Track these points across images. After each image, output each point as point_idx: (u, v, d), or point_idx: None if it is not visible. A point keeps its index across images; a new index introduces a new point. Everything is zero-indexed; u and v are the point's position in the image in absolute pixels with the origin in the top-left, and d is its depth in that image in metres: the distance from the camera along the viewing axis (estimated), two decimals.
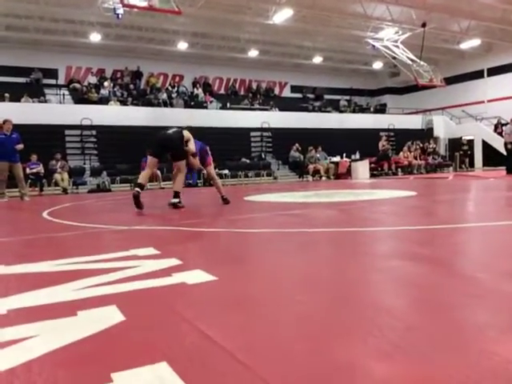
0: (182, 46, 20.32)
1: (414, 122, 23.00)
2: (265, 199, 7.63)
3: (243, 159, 17.41)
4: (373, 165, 17.31)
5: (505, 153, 13.80)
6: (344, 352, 1.24)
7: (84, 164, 15.44)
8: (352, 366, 1.16)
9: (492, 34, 20.03)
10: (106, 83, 19.15)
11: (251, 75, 24.02)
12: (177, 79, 22.19)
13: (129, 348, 1.33)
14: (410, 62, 18.96)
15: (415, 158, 18.81)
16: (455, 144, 22.38)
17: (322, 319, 1.53)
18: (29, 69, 18.78)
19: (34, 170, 12.68)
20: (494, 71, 22.58)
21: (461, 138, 22.55)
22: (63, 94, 17.82)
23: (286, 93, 25.29)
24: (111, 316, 1.59)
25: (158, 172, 13.33)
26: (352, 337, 1.37)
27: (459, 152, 21.14)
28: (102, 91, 18.50)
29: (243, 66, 23.30)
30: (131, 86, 20.09)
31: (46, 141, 14.11)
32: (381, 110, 25.45)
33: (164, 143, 6.01)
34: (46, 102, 17.27)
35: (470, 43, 20.88)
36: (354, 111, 23.91)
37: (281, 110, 20.93)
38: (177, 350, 1.29)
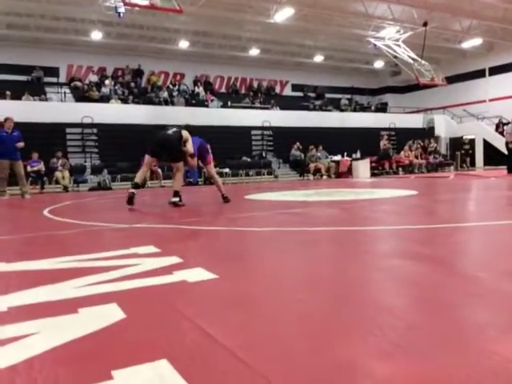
0: (183, 44, 20.31)
1: (415, 121, 22.97)
2: (265, 198, 7.63)
3: (244, 158, 17.40)
4: (374, 164, 17.30)
5: (506, 152, 13.78)
6: (345, 351, 1.24)
7: (85, 162, 15.45)
8: (353, 364, 1.16)
9: (493, 33, 19.99)
10: (107, 81, 19.14)
11: (252, 74, 24.00)
12: (178, 78, 22.18)
13: (129, 345, 1.33)
14: (412, 61, 18.93)
15: (416, 157, 18.78)
16: (456, 143, 22.36)
17: (322, 318, 1.54)
18: (30, 67, 18.78)
19: (35, 168, 12.69)
20: (496, 70, 22.54)
21: (462, 137, 22.52)
22: (64, 93, 17.81)
23: (287, 91, 25.27)
24: (112, 314, 1.59)
25: (159, 170, 13.34)
26: (352, 336, 1.37)
27: (460, 151, 21.11)
28: (103, 89, 18.49)
29: (244, 65, 23.28)
30: (132, 85, 20.08)
31: (46, 139, 14.12)
32: (382, 108, 25.42)
33: (163, 143, 6.06)
34: (47, 100, 17.28)
35: (472, 42, 20.85)
36: (355, 110, 23.87)
37: (282, 108, 20.91)
38: (177, 348, 1.29)
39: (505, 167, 13.71)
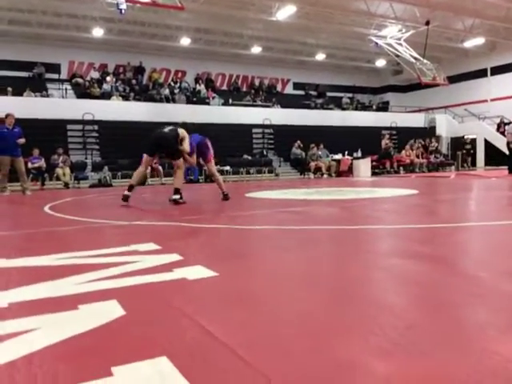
0: (185, 41, 20.29)
1: (417, 121, 22.95)
2: (266, 196, 7.63)
3: (245, 156, 17.40)
4: (374, 163, 17.28)
5: (507, 152, 13.77)
6: (345, 349, 1.24)
7: (86, 159, 15.45)
8: (353, 363, 1.16)
9: (496, 32, 19.94)
10: (108, 78, 19.14)
11: (254, 71, 23.98)
12: (179, 75, 22.17)
13: (129, 342, 1.33)
14: (414, 60, 18.90)
15: (417, 157, 18.76)
16: (457, 143, 22.34)
17: (322, 316, 1.54)
18: (31, 63, 18.78)
19: (36, 165, 12.69)
20: (498, 70, 22.49)
21: (463, 136, 22.50)
22: (65, 89, 17.82)
23: (289, 90, 25.24)
24: (112, 310, 1.59)
25: (160, 167, 13.34)
26: (353, 334, 1.37)
27: (461, 151, 21.09)
28: (105, 86, 18.49)
29: (246, 63, 23.26)
30: (133, 82, 20.08)
31: (47, 135, 14.11)
32: (383, 107, 25.40)
33: (159, 142, 6.11)
34: (48, 96, 17.27)
35: (474, 42, 20.80)
36: (356, 109, 23.85)
37: (283, 106, 20.89)
38: (177, 345, 1.29)
39: (506, 167, 13.69)
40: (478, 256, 2.65)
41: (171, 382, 1.08)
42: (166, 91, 19.38)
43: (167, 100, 18.86)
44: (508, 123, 20.46)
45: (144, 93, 19.22)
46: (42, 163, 12.82)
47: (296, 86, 25.26)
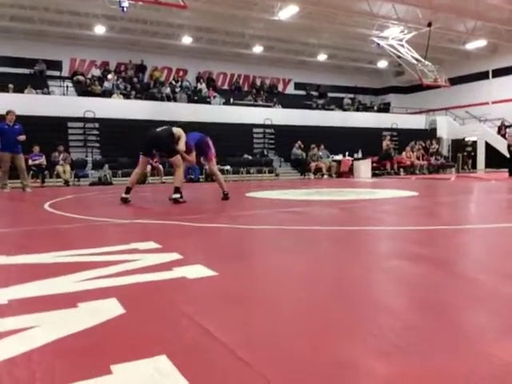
0: (187, 40, 20.27)
1: (418, 122, 22.94)
2: (266, 196, 7.63)
3: (245, 155, 17.38)
4: (375, 164, 17.28)
5: (508, 155, 13.76)
6: (344, 350, 1.25)
7: (86, 157, 15.43)
8: (352, 364, 1.16)
9: (498, 35, 19.94)
10: (109, 76, 19.13)
11: (255, 71, 23.97)
12: (180, 73, 22.16)
13: (128, 341, 1.33)
14: (415, 62, 18.89)
15: (418, 159, 18.76)
16: (458, 145, 22.33)
17: (322, 317, 1.54)
18: (33, 60, 18.77)
19: (36, 162, 12.68)
20: (499, 73, 22.49)
21: (464, 139, 22.49)
22: (67, 86, 17.81)
23: (290, 90, 25.24)
24: (111, 309, 1.59)
25: (160, 166, 13.35)
26: (352, 335, 1.37)
27: (462, 153, 21.08)
28: (106, 84, 18.48)
29: (247, 62, 23.25)
30: (135, 80, 20.06)
31: (48, 132, 14.10)
32: (384, 109, 25.39)
33: (153, 142, 6.16)
34: (49, 93, 17.26)
35: (476, 44, 20.78)
36: (357, 110, 23.83)
37: (284, 106, 20.88)
38: (177, 344, 1.29)
39: (506, 170, 13.69)
40: (477, 258, 2.65)
41: (170, 380, 1.08)
42: (167, 90, 19.38)
43: (168, 99, 18.85)
44: (509, 126, 20.44)
45: (145, 91, 19.21)
46: (42, 160, 12.81)
47: (297, 86, 25.25)
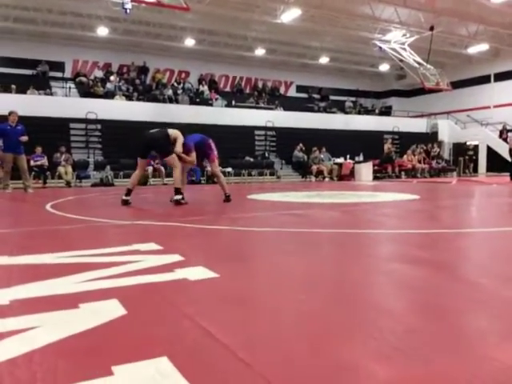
0: (189, 42, 20.32)
1: (419, 126, 22.94)
2: (268, 198, 7.63)
3: (247, 158, 17.40)
4: (376, 167, 17.27)
5: (509, 159, 13.76)
6: (345, 353, 1.25)
7: (88, 158, 15.47)
8: (352, 367, 1.16)
9: (500, 39, 19.95)
10: (112, 77, 19.18)
11: (257, 74, 24.00)
12: (183, 75, 22.20)
13: (130, 342, 1.34)
14: (417, 65, 18.90)
15: (419, 162, 18.75)
16: (459, 149, 22.32)
17: (323, 319, 1.54)
18: (36, 61, 18.83)
19: (38, 163, 12.70)
20: (501, 77, 22.48)
21: (465, 142, 22.48)
22: (69, 87, 17.85)
23: (292, 92, 25.26)
24: (113, 310, 1.59)
25: (162, 168, 13.36)
26: (352, 338, 1.37)
27: (464, 157, 21.07)
28: (108, 85, 18.52)
29: (249, 65, 23.29)
30: (137, 81, 20.11)
31: (50, 133, 14.13)
32: (386, 112, 25.40)
33: (149, 143, 6.18)
34: (51, 94, 17.29)
35: (478, 48, 20.79)
36: (359, 113, 23.86)
37: (286, 109, 20.90)
38: (178, 346, 1.30)
39: (507, 174, 13.68)
40: (478, 262, 2.65)
41: (171, 382, 1.08)
42: (170, 92, 19.41)
43: (170, 100, 18.88)
44: (510, 130, 20.46)
45: (147, 93, 19.25)
46: (44, 161, 12.83)
47: (299, 88, 25.27)
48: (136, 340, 1.35)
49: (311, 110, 22.07)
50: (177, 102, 18.97)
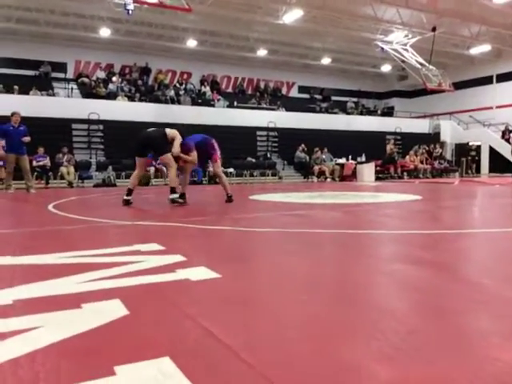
0: (191, 43, 20.34)
1: (421, 126, 22.92)
2: (269, 199, 7.63)
3: (249, 158, 17.40)
4: (378, 168, 17.26)
5: (511, 159, 13.73)
6: (347, 353, 1.25)
7: (90, 158, 15.49)
8: (355, 367, 1.16)
9: (502, 40, 19.92)
10: (114, 78, 19.20)
11: (259, 74, 24.01)
12: (185, 76, 22.22)
13: (132, 342, 1.34)
14: (419, 66, 18.88)
15: (421, 162, 18.73)
16: (462, 149, 22.29)
17: (325, 320, 1.54)
18: (38, 62, 18.87)
19: (41, 163, 12.74)
20: (504, 77, 22.44)
21: (468, 143, 22.45)
22: (71, 88, 17.88)
23: (294, 93, 25.26)
24: (115, 310, 1.60)
25: (164, 168, 13.35)
26: (355, 339, 1.37)
27: (466, 157, 21.04)
28: (110, 86, 18.54)
29: (251, 65, 23.30)
30: (139, 82, 20.14)
31: (53, 134, 14.17)
32: (388, 112, 25.38)
33: (145, 142, 6.20)
34: (54, 95, 17.33)
35: (480, 49, 20.76)
36: (361, 113, 23.84)
37: (288, 110, 20.90)
38: (180, 346, 1.30)
39: (510, 175, 13.65)
40: (481, 263, 2.64)
41: (173, 382, 1.08)
42: (172, 92, 19.43)
43: (172, 101, 18.90)
44: None
45: (149, 94, 19.27)
46: (46, 162, 12.86)
47: (301, 89, 25.27)
48: (138, 340, 1.35)
49: (313, 110, 22.07)
50: (179, 102, 18.99)
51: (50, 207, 5.85)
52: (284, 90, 24.94)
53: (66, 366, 1.18)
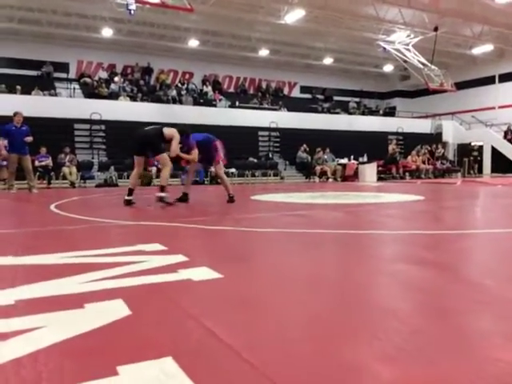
0: (193, 43, 20.36)
1: (423, 126, 22.89)
2: (271, 199, 7.63)
3: (250, 158, 17.40)
4: (380, 168, 17.24)
5: None
6: (349, 354, 1.25)
7: (92, 158, 15.51)
8: (357, 368, 1.16)
9: (505, 39, 19.88)
10: (116, 78, 19.23)
11: (261, 74, 24.02)
12: (187, 76, 22.23)
13: (134, 342, 1.34)
14: (421, 66, 18.87)
15: (423, 163, 18.70)
16: (464, 149, 22.26)
17: (327, 320, 1.54)
18: (40, 62, 18.90)
19: (43, 163, 12.77)
20: (506, 77, 22.40)
21: (470, 143, 22.41)
22: (74, 88, 17.92)
23: (296, 93, 25.26)
24: (118, 310, 1.60)
25: None
26: (357, 339, 1.37)
27: (468, 158, 21.01)
28: (112, 86, 18.58)
29: (253, 65, 23.30)
30: (141, 82, 20.17)
31: (55, 134, 14.18)
32: (390, 113, 25.36)
33: (142, 140, 6.17)
34: (56, 95, 17.37)
35: (483, 48, 20.71)
36: (363, 113, 23.82)
37: (289, 110, 20.90)
38: (182, 346, 1.30)
39: None
40: (483, 263, 2.64)
41: (176, 382, 1.08)
42: (173, 92, 19.45)
43: (174, 101, 18.92)
44: None
45: (151, 94, 19.29)
46: (48, 162, 12.89)
47: (303, 89, 25.26)
48: (141, 340, 1.35)
49: (315, 110, 22.06)
50: (181, 102, 19.01)
51: (52, 207, 5.86)
52: (286, 90, 24.94)
53: (69, 366, 1.18)
